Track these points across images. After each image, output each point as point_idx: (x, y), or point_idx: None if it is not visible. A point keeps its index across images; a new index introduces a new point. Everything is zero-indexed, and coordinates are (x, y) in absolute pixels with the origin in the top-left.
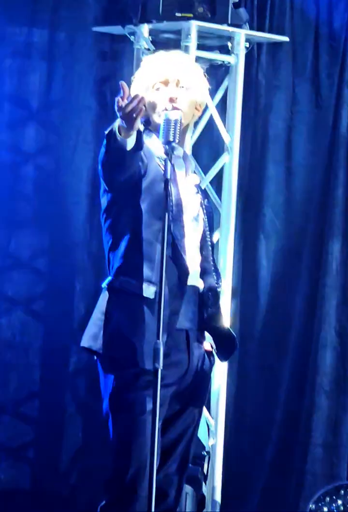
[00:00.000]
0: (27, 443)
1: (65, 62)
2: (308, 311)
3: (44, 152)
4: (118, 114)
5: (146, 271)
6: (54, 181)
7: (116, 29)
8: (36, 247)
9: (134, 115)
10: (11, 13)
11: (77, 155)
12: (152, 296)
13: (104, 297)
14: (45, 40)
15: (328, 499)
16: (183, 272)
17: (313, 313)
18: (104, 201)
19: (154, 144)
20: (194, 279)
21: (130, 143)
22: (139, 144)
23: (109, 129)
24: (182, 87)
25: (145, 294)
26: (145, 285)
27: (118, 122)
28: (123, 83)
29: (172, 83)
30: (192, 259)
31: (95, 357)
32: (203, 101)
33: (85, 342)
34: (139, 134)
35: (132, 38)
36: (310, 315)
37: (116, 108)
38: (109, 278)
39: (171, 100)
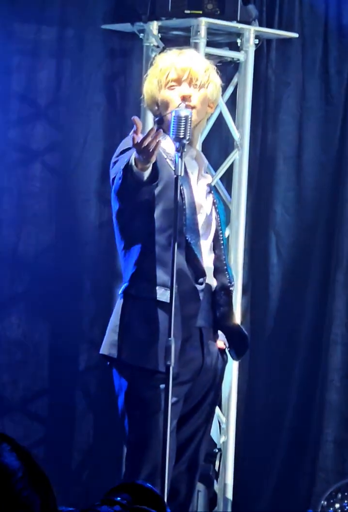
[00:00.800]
0: (38, 441)
1: (74, 59)
2: (319, 308)
3: (53, 149)
4: (134, 149)
5: (161, 276)
6: (63, 179)
7: (125, 27)
8: (45, 245)
9: (150, 149)
10: (20, 10)
11: (86, 153)
12: (168, 300)
13: (120, 304)
14: (54, 38)
15: (339, 495)
16: (200, 273)
17: (324, 309)
18: (115, 204)
19: (167, 145)
20: (208, 278)
21: (146, 174)
22: (155, 174)
23: (125, 162)
24: (195, 85)
25: (161, 298)
26: (160, 290)
27: (134, 155)
28: (135, 119)
29: (185, 82)
30: (206, 258)
31: (108, 363)
32: (216, 99)
33: (105, 349)
34: (155, 165)
35: (141, 35)
36: (321, 312)
37: (131, 143)
38: (125, 284)
39: (184, 98)
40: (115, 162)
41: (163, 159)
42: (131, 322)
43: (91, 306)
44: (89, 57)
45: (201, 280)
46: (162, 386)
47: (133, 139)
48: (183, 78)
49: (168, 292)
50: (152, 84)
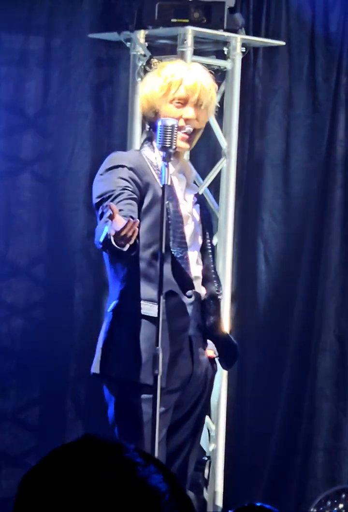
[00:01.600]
0: (28, 450)
1: (61, 69)
2: (308, 315)
3: (41, 159)
4: (111, 237)
5: (148, 291)
6: (51, 188)
7: (112, 36)
8: (34, 254)
9: (129, 238)
10: (7, 20)
11: (74, 162)
12: (155, 314)
13: (108, 321)
14: (41, 47)
15: (329, 503)
16: (187, 286)
17: (313, 316)
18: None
19: (154, 156)
20: (197, 287)
21: (126, 248)
22: (134, 245)
23: (103, 236)
24: (200, 106)
25: (148, 313)
26: (147, 305)
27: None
28: (111, 205)
29: (192, 104)
30: (194, 268)
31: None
32: (211, 116)
33: (96, 368)
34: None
35: (128, 44)
36: (310, 319)
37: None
38: (114, 302)
39: (187, 121)
40: (100, 180)
41: (149, 172)
42: (120, 339)
43: (80, 315)
44: (76, 66)
45: (189, 292)
46: (150, 396)
47: (111, 232)
48: (191, 99)
49: (155, 306)
50: (154, 93)
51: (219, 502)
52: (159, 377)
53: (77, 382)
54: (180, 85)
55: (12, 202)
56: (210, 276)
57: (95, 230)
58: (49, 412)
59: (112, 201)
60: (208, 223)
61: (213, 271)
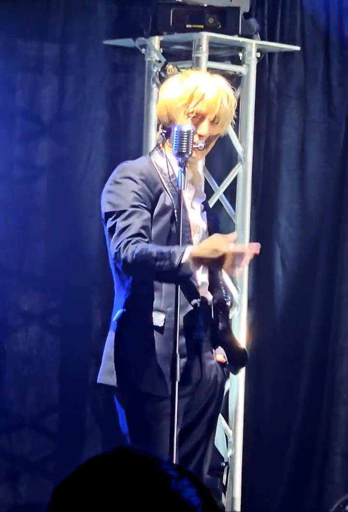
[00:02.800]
0: (47, 456)
1: (77, 75)
2: (324, 320)
3: (57, 165)
4: (215, 257)
5: (154, 300)
6: (67, 194)
7: (127, 42)
8: (51, 261)
9: (231, 266)
10: (22, 27)
11: (90, 168)
12: (161, 324)
13: (114, 331)
14: (57, 54)
15: (347, 507)
16: (193, 295)
17: (329, 322)
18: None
19: (163, 163)
20: (203, 292)
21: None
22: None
23: (178, 258)
24: (216, 123)
25: (154, 322)
26: (153, 314)
27: (191, 255)
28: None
29: (208, 120)
30: (200, 275)
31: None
32: (227, 129)
33: (102, 378)
34: None
35: (143, 50)
36: (327, 324)
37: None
38: (119, 311)
39: (201, 137)
40: (110, 192)
41: (159, 180)
42: (127, 349)
43: (98, 320)
44: (91, 73)
45: (194, 301)
46: (163, 403)
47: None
48: (209, 116)
49: (162, 315)
50: (172, 101)
51: (238, 507)
52: (176, 383)
53: (95, 388)
54: (201, 100)
55: (29, 209)
56: (217, 283)
57: (109, 249)
58: (68, 419)
59: (124, 220)
60: (215, 230)
61: (219, 278)
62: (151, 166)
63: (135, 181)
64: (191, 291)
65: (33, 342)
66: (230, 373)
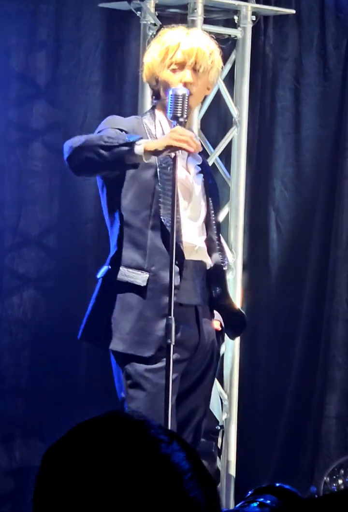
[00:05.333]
0: (43, 420)
1: (72, 38)
2: (319, 284)
3: (52, 128)
4: (171, 140)
5: (138, 259)
6: (62, 158)
7: (122, 5)
8: (45, 224)
9: (180, 147)
10: None
11: (86, 131)
12: (143, 284)
13: (98, 288)
14: (52, 17)
15: (342, 471)
16: (178, 255)
17: (324, 285)
18: (100, 190)
19: (153, 125)
20: (202, 256)
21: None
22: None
23: (131, 141)
24: (198, 70)
25: (136, 282)
26: (136, 273)
27: (146, 147)
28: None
29: (189, 67)
30: (196, 238)
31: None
32: (214, 81)
33: (83, 335)
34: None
35: (138, 13)
36: (321, 288)
37: (173, 136)
38: (104, 267)
39: (185, 84)
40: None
41: (144, 138)
42: (107, 307)
43: (92, 284)
44: (87, 36)
45: (179, 260)
46: (159, 365)
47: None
48: (188, 63)
49: (144, 275)
50: (154, 60)
51: (232, 471)
52: (171, 346)
53: (90, 351)
54: (177, 50)
55: (24, 172)
56: (213, 247)
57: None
58: (62, 381)
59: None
60: (213, 194)
61: (217, 242)
62: (138, 126)
63: (117, 129)
64: (176, 252)
65: (28, 306)
66: (226, 337)
